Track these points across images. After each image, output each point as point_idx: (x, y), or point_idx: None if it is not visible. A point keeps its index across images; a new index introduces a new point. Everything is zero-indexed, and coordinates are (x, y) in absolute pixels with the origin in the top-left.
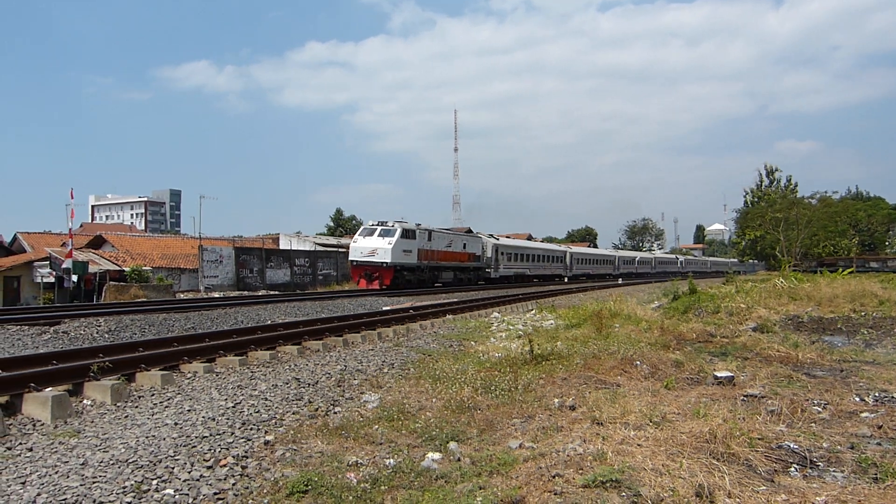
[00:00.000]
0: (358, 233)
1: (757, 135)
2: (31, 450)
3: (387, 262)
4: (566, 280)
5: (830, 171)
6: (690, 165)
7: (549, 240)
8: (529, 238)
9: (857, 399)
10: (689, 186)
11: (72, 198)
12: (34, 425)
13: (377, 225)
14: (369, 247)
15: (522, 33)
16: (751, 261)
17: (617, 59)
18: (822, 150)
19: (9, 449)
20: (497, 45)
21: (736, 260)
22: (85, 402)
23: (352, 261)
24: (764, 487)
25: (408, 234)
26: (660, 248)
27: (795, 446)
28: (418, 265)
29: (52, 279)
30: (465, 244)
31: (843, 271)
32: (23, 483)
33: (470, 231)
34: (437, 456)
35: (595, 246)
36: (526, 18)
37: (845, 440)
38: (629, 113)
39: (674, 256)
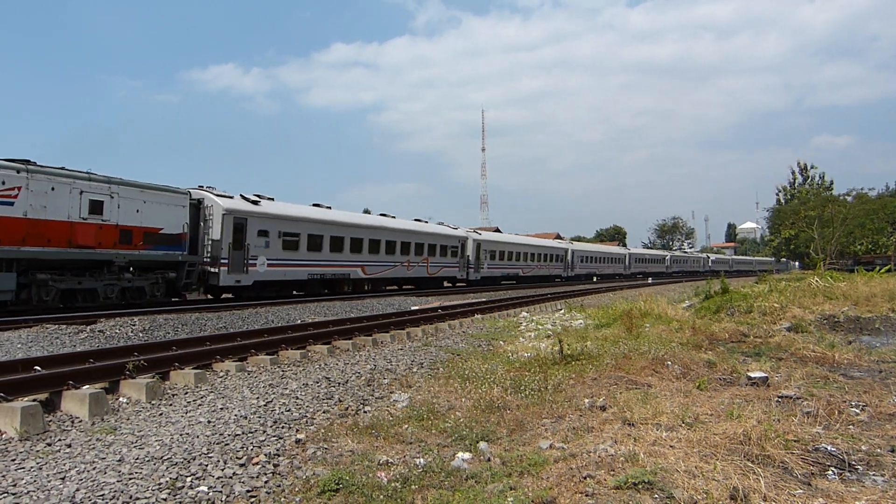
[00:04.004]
0: None
1: (792, 129)
2: (69, 446)
3: None
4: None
5: (868, 166)
6: (723, 161)
7: (578, 240)
8: (557, 237)
9: None
10: (721, 183)
11: None
12: (73, 422)
13: None
14: None
15: (550, 29)
16: (784, 259)
17: (648, 54)
18: (860, 145)
19: (49, 445)
20: (524, 41)
21: (772, 259)
22: (121, 399)
23: None
24: (800, 491)
25: None
26: (690, 247)
27: (833, 449)
28: None
29: None
30: (96, 205)
31: (880, 270)
32: (62, 478)
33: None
34: (467, 456)
35: (624, 245)
36: (553, 14)
37: (885, 443)
38: (661, 108)
39: (677, 255)
